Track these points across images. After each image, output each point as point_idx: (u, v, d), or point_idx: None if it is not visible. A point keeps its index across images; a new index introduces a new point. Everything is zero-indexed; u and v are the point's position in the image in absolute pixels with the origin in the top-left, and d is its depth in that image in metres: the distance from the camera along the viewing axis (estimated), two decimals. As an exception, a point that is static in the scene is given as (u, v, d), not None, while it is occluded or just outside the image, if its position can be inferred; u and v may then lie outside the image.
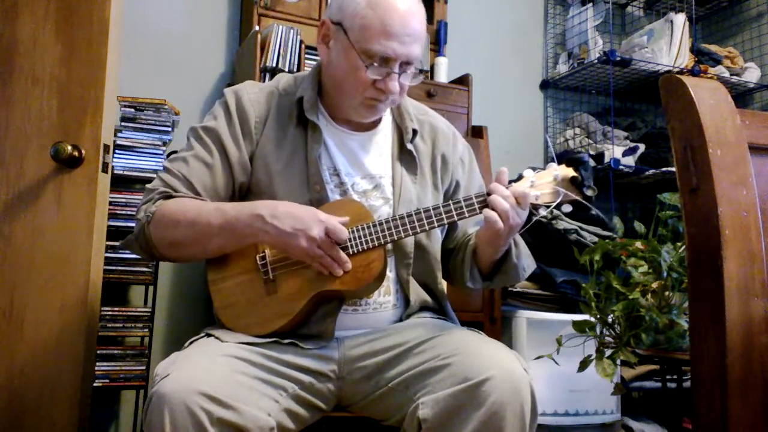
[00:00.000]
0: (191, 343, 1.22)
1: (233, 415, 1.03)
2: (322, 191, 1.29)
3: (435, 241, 1.38)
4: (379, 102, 1.29)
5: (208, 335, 1.24)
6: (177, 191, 1.27)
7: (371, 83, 1.25)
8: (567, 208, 1.25)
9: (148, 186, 1.31)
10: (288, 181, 1.29)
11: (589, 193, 1.22)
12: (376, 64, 1.23)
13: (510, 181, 1.24)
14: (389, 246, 1.29)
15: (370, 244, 1.22)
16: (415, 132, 1.39)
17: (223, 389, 1.04)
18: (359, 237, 1.22)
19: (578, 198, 1.23)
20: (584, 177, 1.22)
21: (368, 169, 1.35)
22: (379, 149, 1.38)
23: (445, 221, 1.23)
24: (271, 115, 1.33)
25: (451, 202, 1.23)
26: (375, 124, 1.38)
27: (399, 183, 1.35)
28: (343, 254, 1.20)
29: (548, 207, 1.24)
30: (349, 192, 1.32)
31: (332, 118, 1.36)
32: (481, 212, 1.21)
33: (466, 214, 1.23)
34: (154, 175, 2.09)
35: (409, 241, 1.32)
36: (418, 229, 1.23)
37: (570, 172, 1.24)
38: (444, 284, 1.45)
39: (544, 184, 1.24)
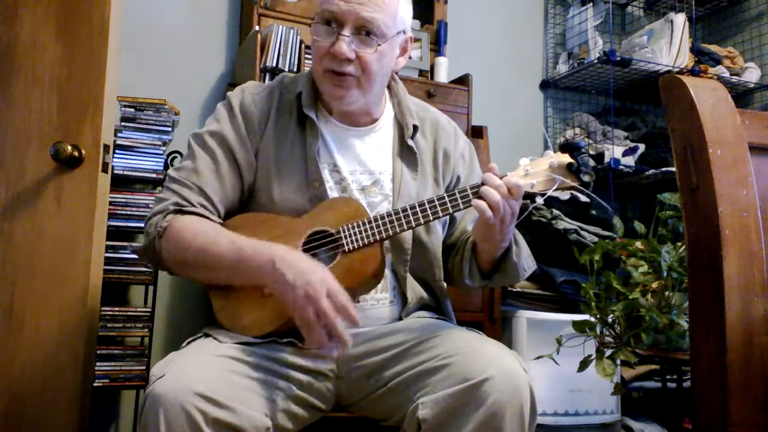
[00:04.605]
0: (188, 343, 1.22)
1: (229, 415, 1.03)
2: (321, 188, 1.29)
3: (435, 237, 1.37)
4: (335, 73, 1.26)
5: (206, 335, 1.23)
6: (191, 202, 1.25)
7: (327, 51, 1.24)
8: (564, 195, 1.23)
9: (158, 195, 1.29)
10: (287, 178, 1.29)
11: (586, 178, 1.19)
12: (331, 26, 1.24)
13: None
14: (386, 242, 1.28)
15: (366, 241, 1.22)
16: (416, 128, 1.38)
17: (218, 389, 1.04)
18: (355, 234, 1.22)
19: (575, 185, 1.20)
20: (581, 162, 1.19)
21: (367, 164, 1.35)
22: (378, 145, 1.37)
23: (440, 214, 1.21)
24: (273, 113, 1.33)
25: (445, 194, 1.22)
26: (374, 119, 1.37)
27: (399, 179, 1.34)
28: (352, 308, 1.11)
29: (544, 195, 1.21)
30: (348, 188, 1.31)
31: (330, 114, 1.35)
32: None
33: (461, 206, 1.21)
34: (154, 175, 2.16)
35: (407, 237, 1.31)
36: (413, 224, 1.22)
37: (566, 158, 1.21)
38: (444, 281, 1.44)
39: (540, 171, 1.21)
